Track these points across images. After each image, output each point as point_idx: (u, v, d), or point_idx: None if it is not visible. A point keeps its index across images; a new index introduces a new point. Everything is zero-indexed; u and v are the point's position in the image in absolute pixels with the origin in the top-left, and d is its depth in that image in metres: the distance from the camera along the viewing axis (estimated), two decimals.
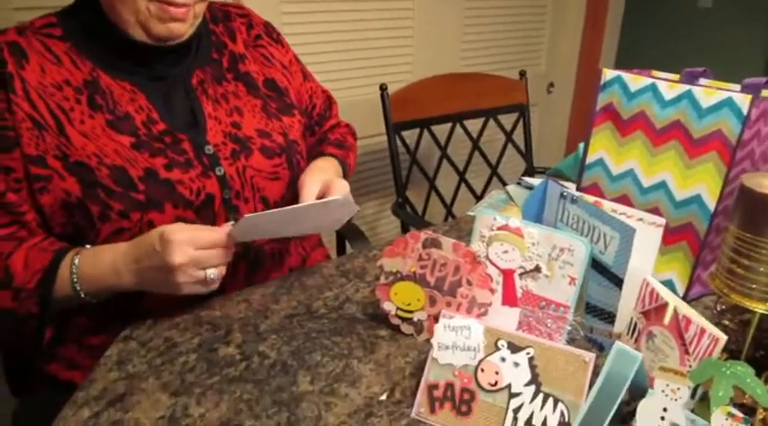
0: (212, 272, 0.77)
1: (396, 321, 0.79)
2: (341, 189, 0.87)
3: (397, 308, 0.78)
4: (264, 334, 0.80)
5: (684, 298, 0.87)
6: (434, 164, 1.82)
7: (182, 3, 0.83)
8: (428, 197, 1.82)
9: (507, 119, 1.88)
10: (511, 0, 2.31)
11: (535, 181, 1.36)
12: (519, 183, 1.39)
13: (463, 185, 1.87)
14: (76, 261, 0.80)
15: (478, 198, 1.89)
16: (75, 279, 0.79)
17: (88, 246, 0.82)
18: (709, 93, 0.83)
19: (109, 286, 0.80)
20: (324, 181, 0.90)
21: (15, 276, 0.79)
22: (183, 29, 0.86)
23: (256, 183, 0.93)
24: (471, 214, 1.21)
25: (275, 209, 0.77)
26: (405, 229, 1.72)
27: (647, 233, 0.73)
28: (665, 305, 0.64)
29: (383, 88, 1.60)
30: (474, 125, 1.82)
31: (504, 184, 1.85)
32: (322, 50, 1.81)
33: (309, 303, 0.88)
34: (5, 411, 0.97)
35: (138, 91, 0.87)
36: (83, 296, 0.80)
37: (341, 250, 1.52)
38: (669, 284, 0.89)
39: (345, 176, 1.09)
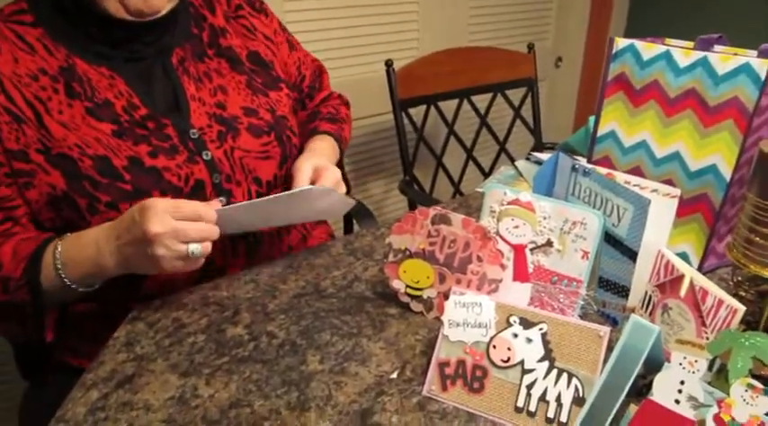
0: (195, 247, 0.72)
1: (405, 299, 0.78)
2: (330, 178, 0.85)
3: (407, 286, 0.77)
4: (273, 314, 0.79)
5: (699, 271, 0.86)
6: (441, 141, 1.79)
7: None
8: (435, 174, 1.80)
9: (515, 95, 1.84)
10: None
11: (544, 156, 1.33)
12: (528, 159, 1.37)
13: (471, 162, 1.84)
14: (59, 247, 0.77)
15: (486, 175, 1.87)
16: (59, 266, 0.76)
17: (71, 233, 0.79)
18: (725, 59, 0.80)
19: (91, 269, 0.76)
20: (315, 167, 0.87)
21: (3, 266, 0.77)
22: (161, 3, 0.81)
23: (246, 164, 0.90)
24: (480, 190, 1.19)
25: (248, 201, 0.76)
26: (412, 207, 1.71)
27: (662, 204, 0.71)
28: (682, 277, 0.63)
29: (389, 64, 1.57)
30: (481, 101, 1.79)
31: (513, 160, 1.83)
32: (327, 27, 1.78)
33: (317, 282, 0.87)
34: (16, 393, 0.97)
35: (117, 75, 0.83)
36: (67, 282, 0.77)
37: (348, 228, 1.51)
38: (683, 256, 0.86)
39: (342, 150, 1.06)
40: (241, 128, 0.90)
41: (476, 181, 1.91)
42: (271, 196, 0.77)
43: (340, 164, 1.06)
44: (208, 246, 0.73)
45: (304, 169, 0.86)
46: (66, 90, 0.80)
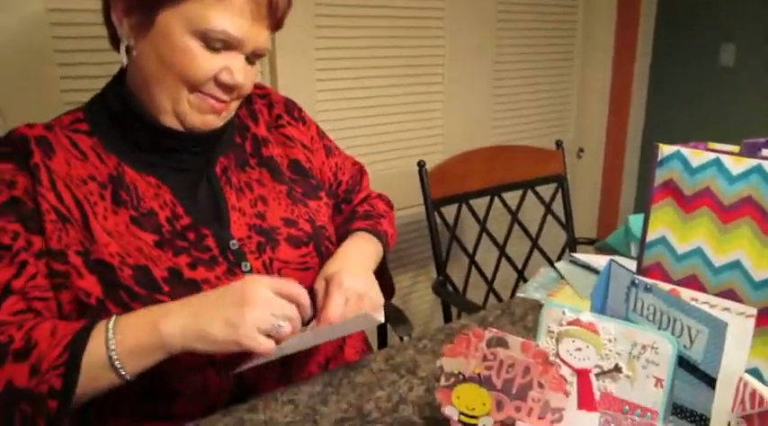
0: (283, 324, 0.73)
1: None
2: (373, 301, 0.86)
3: (461, 413, 0.71)
4: None
5: None
6: (473, 239, 1.76)
7: (223, 98, 0.83)
8: (468, 273, 1.75)
9: (544, 191, 1.84)
10: (539, 72, 2.33)
11: (584, 256, 1.29)
12: (563, 258, 1.33)
13: (503, 259, 1.80)
14: (110, 324, 0.71)
15: (519, 272, 1.82)
16: (110, 336, 0.70)
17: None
18: None
19: (147, 337, 0.70)
20: (326, 278, 0.86)
21: (38, 344, 0.69)
22: (217, 122, 0.85)
23: (285, 275, 0.88)
24: (522, 295, 1.14)
25: (300, 334, 0.77)
26: (446, 307, 1.65)
27: (736, 324, 0.66)
28: None
29: (421, 165, 1.57)
30: (511, 197, 1.78)
31: (546, 257, 1.79)
32: (356, 125, 1.83)
33: (360, 404, 0.81)
34: None
35: (163, 185, 0.84)
36: (117, 365, 0.69)
37: (381, 330, 1.45)
38: (755, 373, 0.80)
39: (386, 243, 1.03)
40: (280, 239, 0.89)
41: (509, 280, 1.87)
42: (324, 325, 0.80)
43: (383, 260, 1.03)
44: (288, 328, 0.74)
45: (336, 305, 0.83)
46: (112, 197, 0.81)
